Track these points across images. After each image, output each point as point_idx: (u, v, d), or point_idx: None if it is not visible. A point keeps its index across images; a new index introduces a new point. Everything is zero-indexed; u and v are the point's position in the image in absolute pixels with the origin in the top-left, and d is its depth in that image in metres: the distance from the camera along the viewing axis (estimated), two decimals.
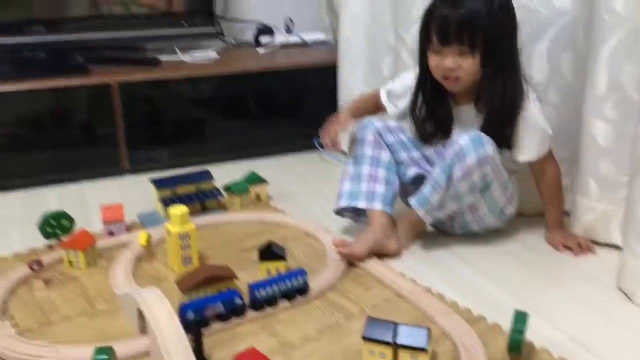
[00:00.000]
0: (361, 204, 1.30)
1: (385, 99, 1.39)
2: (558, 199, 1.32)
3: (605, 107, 1.19)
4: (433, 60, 1.23)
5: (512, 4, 1.21)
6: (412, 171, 1.35)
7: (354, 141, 1.36)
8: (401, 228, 1.30)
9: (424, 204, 1.24)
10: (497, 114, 1.23)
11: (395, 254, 1.27)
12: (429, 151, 1.35)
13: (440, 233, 1.37)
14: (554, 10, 1.27)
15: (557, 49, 1.30)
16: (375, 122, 1.35)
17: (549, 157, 1.29)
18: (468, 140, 1.18)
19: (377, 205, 1.29)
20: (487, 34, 1.16)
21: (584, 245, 1.27)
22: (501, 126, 1.23)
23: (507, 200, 1.30)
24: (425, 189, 1.24)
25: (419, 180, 1.33)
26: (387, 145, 1.34)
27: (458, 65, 1.19)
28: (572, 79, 1.31)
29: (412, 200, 1.25)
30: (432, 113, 1.31)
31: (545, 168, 1.30)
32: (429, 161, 1.35)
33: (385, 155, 1.33)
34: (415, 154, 1.36)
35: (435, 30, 1.19)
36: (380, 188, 1.30)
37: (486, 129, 1.24)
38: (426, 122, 1.32)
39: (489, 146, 1.19)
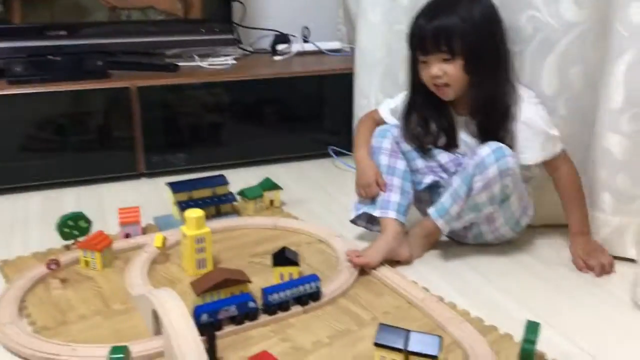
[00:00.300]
0: (376, 213, 1.31)
1: (389, 117, 1.40)
2: (578, 201, 1.28)
3: (622, 121, 1.19)
4: (423, 72, 1.26)
5: (495, 12, 1.24)
6: (428, 179, 1.35)
7: (371, 149, 1.37)
8: (416, 236, 1.31)
9: (443, 215, 1.24)
10: (487, 119, 1.25)
11: (406, 262, 1.28)
12: (445, 159, 1.35)
13: (454, 242, 1.37)
14: (564, 22, 1.27)
15: (567, 62, 1.30)
16: (392, 130, 1.35)
17: (562, 157, 1.27)
18: (490, 152, 1.19)
19: (392, 214, 1.30)
20: (466, 40, 1.19)
21: (607, 267, 1.23)
22: (494, 132, 1.24)
23: (522, 211, 1.30)
24: (445, 199, 1.24)
25: (434, 188, 1.34)
26: (403, 153, 1.35)
27: (443, 72, 1.22)
28: (581, 92, 1.31)
29: (431, 210, 1.25)
30: (428, 123, 1.33)
31: (559, 169, 1.28)
32: (445, 169, 1.35)
33: (401, 164, 1.34)
34: (431, 162, 1.36)
35: (416, 41, 1.23)
36: (395, 197, 1.31)
37: (481, 136, 1.26)
38: (422, 132, 1.33)
39: (510, 158, 1.19)
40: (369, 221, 1.37)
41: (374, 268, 1.22)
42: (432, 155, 1.36)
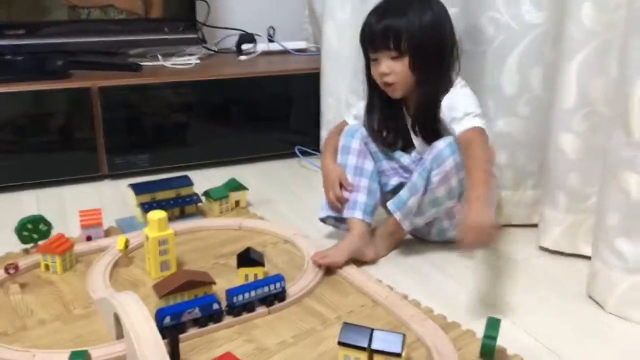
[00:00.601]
0: (345, 213, 1.32)
1: (354, 123, 1.41)
2: (483, 178, 1.10)
3: (574, 120, 1.21)
4: (373, 70, 1.28)
5: (445, 15, 1.26)
6: (393, 180, 1.37)
7: (339, 148, 1.37)
8: (380, 236, 1.31)
9: (401, 207, 1.25)
10: (425, 117, 1.27)
11: (372, 262, 1.28)
12: (406, 161, 1.36)
13: (418, 241, 1.39)
14: (524, 24, 1.30)
15: (527, 62, 1.33)
16: (361, 130, 1.36)
17: (478, 132, 1.18)
18: (445, 145, 1.21)
19: (358, 214, 1.30)
20: (413, 38, 1.21)
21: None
22: (431, 127, 1.27)
23: None
24: (403, 193, 1.25)
25: (400, 189, 1.35)
26: (371, 153, 1.36)
27: (391, 70, 1.24)
28: (541, 93, 1.34)
29: (389, 204, 1.26)
30: (386, 123, 1.35)
31: (472, 144, 1.16)
32: (408, 171, 1.36)
33: (369, 165, 1.35)
34: (395, 163, 1.38)
35: (367, 39, 1.26)
36: (362, 197, 1.32)
37: (420, 133, 1.29)
38: (382, 132, 1.35)
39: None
40: (337, 220, 1.37)
41: (340, 267, 1.23)
42: (396, 157, 1.38)
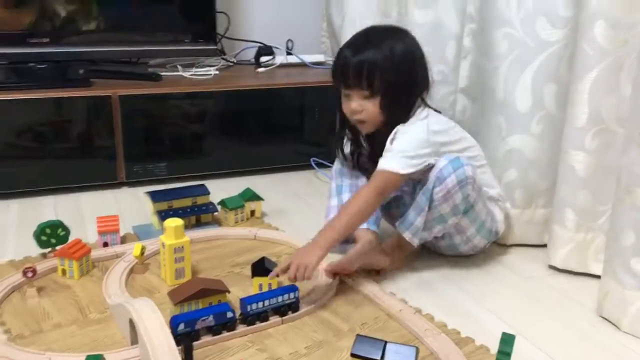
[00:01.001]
0: None
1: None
2: (336, 223, 1.18)
3: (586, 139, 1.21)
4: (344, 104, 1.28)
5: (418, 49, 1.25)
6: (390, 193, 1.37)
7: (334, 171, 1.41)
8: (390, 248, 1.31)
9: (409, 227, 1.25)
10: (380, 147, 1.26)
11: (384, 269, 1.28)
12: None
13: (431, 255, 1.39)
14: (539, 41, 1.30)
15: (541, 80, 1.32)
16: (347, 163, 1.41)
17: (378, 181, 1.19)
18: (447, 162, 1.21)
19: (364, 225, 1.31)
20: (385, 80, 1.20)
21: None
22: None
23: (491, 218, 1.33)
24: (409, 213, 1.26)
25: (399, 201, 1.38)
26: (364, 170, 1.38)
27: (362, 108, 1.24)
28: (554, 111, 1.33)
29: (398, 224, 1.27)
30: (357, 151, 1.38)
31: (364, 188, 1.21)
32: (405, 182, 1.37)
33: (363, 180, 1.37)
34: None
35: (339, 74, 1.25)
36: None
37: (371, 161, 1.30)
38: (352, 157, 1.38)
39: (468, 167, 1.22)
40: (344, 241, 1.37)
41: (351, 275, 1.23)
42: None
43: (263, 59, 2.23)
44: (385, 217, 1.43)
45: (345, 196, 1.36)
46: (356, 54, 1.21)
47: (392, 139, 1.22)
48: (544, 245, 1.41)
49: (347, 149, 1.41)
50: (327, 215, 1.37)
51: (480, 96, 1.46)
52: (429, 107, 1.28)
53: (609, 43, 1.15)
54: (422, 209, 1.23)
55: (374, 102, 1.22)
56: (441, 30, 1.55)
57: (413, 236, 1.26)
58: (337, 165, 1.42)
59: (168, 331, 0.92)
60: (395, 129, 1.23)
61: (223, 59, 2.23)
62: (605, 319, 1.14)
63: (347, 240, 1.36)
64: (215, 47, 2.06)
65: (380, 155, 1.24)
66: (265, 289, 1.17)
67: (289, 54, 2.29)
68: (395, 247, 1.31)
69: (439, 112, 1.32)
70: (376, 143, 1.31)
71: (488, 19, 1.38)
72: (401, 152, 1.20)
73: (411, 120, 1.24)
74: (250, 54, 2.30)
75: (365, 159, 1.39)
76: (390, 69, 1.20)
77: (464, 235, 1.31)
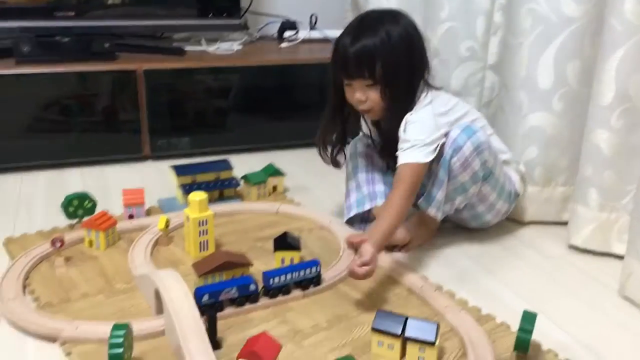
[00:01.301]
0: (367, 206, 1.34)
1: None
2: (382, 225, 1.14)
3: (612, 117, 1.19)
4: (347, 93, 1.26)
5: (416, 31, 1.23)
6: None
7: (348, 155, 1.41)
8: (413, 225, 1.32)
9: (432, 202, 1.25)
10: (390, 141, 1.25)
11: (403, 241, 1.28)
12: None
13: (454, 233, 1.38)
14: (563, 17, 1.28)
15: (564, 56, 1.30)
16: (363, 139, 1.41)
17: (409, 176, 1.17)
18: (460, 132, 1.21)
19: (380, 201, 1.32)
20: (385, 66, 1.18)
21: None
22: (392, 146, 1.24)
23: (509, 181, 1.33)
24: (429, 188, 1.25)
25: None
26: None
27: (366, 97, 1.23)
28: (577, 88, 1.31)
29: (420, 201, 1.27)
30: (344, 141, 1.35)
31: (399, 184, 1.17)
32: None
33: (378, 160, 1.38)
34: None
35: (339, 65, 1.23)
36: (379, 187, 1.35)
37: (383, 152, 1.33)
38: (333, 148, 1.35)
39: (480, 133, 1.21)
40: (362, 221, 1.38)
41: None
42: None
43: (286, 34, 2.22)
44: None
45: (361, 176, 1.36)
46: (354, 43, 1.19)
47: (404, 130, 1.21)
48: (562, 223, 1.40)
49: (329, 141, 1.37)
50: (347, 194, 1.38)
51: (505, 73, 1.44)
52: (431, 86, 1.27)
53: (638, 19, 1.12)
54: (442, 182, 1.23)
55: (376, 90, 1.21)
56: (471, 5, 1.52)
57: (437, 211, 1.25)
58: (351, 147, 1.42)
59: (193, 301, 0.94)
60: (404, 120, 1.21)
61: (247, 33, 2.22)
62: (629, 299, 1.13)
63: (368, 219, 1.36)
64: (238, 22, 2.05)
65: (388, 141, 1.25)
66: (287, 263, 1.18)
67: (312, 29, 2.28)
68: (419, 224, 1.32)
69: (441, 88, 1.30)
70: (382, 130, 1.32)
71: None
72: (417, 142, 1.18)
73: (416, 108, 1.23)
74: (273, 29, 2.29)
75: (369, 148, 1.40)
76: (389, 55, 1.18)
77: (487, 203, 1.30)
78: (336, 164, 1.37)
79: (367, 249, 1.06)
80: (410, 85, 1.24)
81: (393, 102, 1.22)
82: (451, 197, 1.25)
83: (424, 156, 1.18)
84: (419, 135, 1.19)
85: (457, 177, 1.22)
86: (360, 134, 1.42)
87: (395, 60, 1.19)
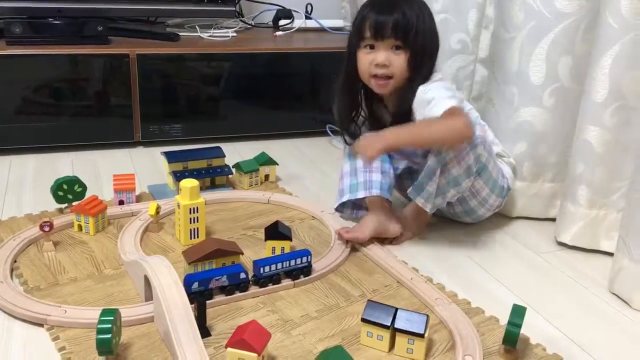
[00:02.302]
0: (360, 194, 1.31)
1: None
2: (418, 126, 1.18)
3: (605, 114, 1.19)
4: (365, 59, 1.23)
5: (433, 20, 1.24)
6: (402, 164, 1.37)
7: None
8: (406, 218, 1.32)
9: (421, 192, 1.23)
10: (401, 112, 1.24)
11: (395, 235, 1.29)
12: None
13: (446, 226, 1.38)
14: (556, 12, 1.27)
15: (556, 51, 1.30)
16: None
17: (459, 111, 1.15)
18: None
19: (375, 192, 1.30)
20: (418, 35, 1.19)
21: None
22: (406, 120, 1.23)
23: (502, 176, 1.32)
24: (421, 178, 1.23)
25: (410, 173, 1.36)
26: None
27: (390, 62, 1.21)
28: (568, 84, 1.31)
29: (410, 190, 1.26)
30: (355, 113, 1.33)
31: (451, 115, 1.14)
32: (414, 155, 1.35)
33: None
34: (407, 148, 1.35)
35: (371, 26, 1.20)
36: (376, 177, 1.32)
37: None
38: (351, 121, 1.33)
39: (477, 127, 1.21)
40: (354, 207, 1.38)
41: (363, 243, 1.24)
42: None
43: (281, 22, 2.21)
44: (400, 191, 1.43)
45: (360, 161, 1.34)
46: (391, 6, 1.19)
47: (424, 92, 1.19)
48: (549, 219, 1.40)
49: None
50: (341, 177, 1.36)
51: (496, 66, 1.44)
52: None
53: (634, 16, 1.12)
54: (434, 173, 1.20)
55: (403, 56, 1.20)
56: None
57: (426, 201, 1.24)
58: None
59: (182, 288, 0.93)
60: (418, 91, 1.20)
61: (241, 20, 2.20)
62: (616, 295, 1.14)
63: (360, 206, 1.36)
64: (233, 9, 2.04)
65: (398, 115, 1.23)
66: (278, 252, 1.18)
67: (307, 18, 2.27)
68: (413, 216, 1.32)
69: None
70: (391, 105, 1.30)
71: None
72: (442, 95, 1.15)
73: (429, 82, 1.23)
74: (268, 17, 2.28)
75: (359, 125, 1.34)
76: (422, 27, 1.20)
77: (479, 197, 1.30)
78: (353, 137, 1.33)
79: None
80: (431, 62, 1.24)
81: (416, 72, 1.21)
82: (443, 190, 1.24)
83: (456, 102, 1.15)
84: (439, 92, 1.17)
85: (451, 170, 1.21)
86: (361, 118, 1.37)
87: (427, 31, 1.21)
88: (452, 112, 1.13)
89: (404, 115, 1.22)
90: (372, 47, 1.22)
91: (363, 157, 1.19)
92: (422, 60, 1.21)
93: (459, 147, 1.16)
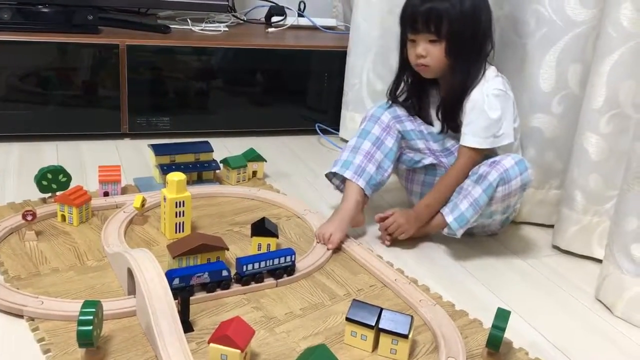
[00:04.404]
0: (348, 174, 1.31)
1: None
2: (443, 190, 1.28)
3: (601, 122, 1.20)
4: (409, 50, 1.29)
5: (484, 4, 1.25)
6: (427, 160, 1.36)
7: (366, 116, 1.37)
8: (422, 230, 1.31)
9: (464, 225, 1.23)
10: (451, 101, 1.29)
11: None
12: (436, 147, 1.36)
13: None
14: (567, 20, 1.28)
15: (567, 59, 1.31)
16: (396, 108, 1.36)
17: (477, 155, 1.26)
18: (513, 164, 1.20)
19: (361, 182, 1.30)
20: (453, 24, 1.22)
21: (393, 231, 1.28)
22: (453, 112, 1.29)
23: (514, 210, 1.34)
24: (466, 210, 1.22)
25: (429, 167, 1.36)
26: (401, 132, 1.35)
27: (427, 52, 1.25)
28: (578, 91, 1.32)
29: (450, 220, 1.23)
30: (410, 94, 1.37)
31: (459, 160, 1.28)
32: (449, 153, 1.35)
33: (390, 142, 1.33)
34: (434, 145, 1.36)
35: (408, 20, 1.26)
36: (371, 168, 1.32)
37: (440, 112, 1.32)
38: (409, 101, 1.38)
39: (531, 171, 1.22)
40: (343, 181, 1.36)
41: (340, 241, 1.24)
42: (437, 139, 1.36)
43: (274, 19, 2.20)
44: (407, 182, 1.43)
45: (366, 145, 1.32)
46: (426, 1, 1.23)
47: (477, 107, 1.24)
48: (545, 226, 1.41)
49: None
50: (344, 148, 1.36)
51: (506, 71, 1.43)
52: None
53: (633, 26, 1.13)
54: (480, 206, 1.21)
55: (440, 47, 1.23)
56: None
57: (460, 228, 1.23)
58: (376, 110, 1.37)
59: (166, 282, 0.92)
60: (472, 95, 1.25)
61: (234, 15, 2.19)
62: (603, 302, 1.14)
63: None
64: (226, 3, 2.02)
65: (447, 102, 1.29)
66: (264, 249, 1.17)
67: (300, 15, 2.26)
68: (427, 227, 1.30)
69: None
70: (443, 92, 1.33)
71: None
72: (478, 126, 1.24)
73: (485, 79, 1.25)
74: (261, 13, 2.27)
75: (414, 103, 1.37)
76: (458, 17, 1.21)
77: (487, 222, 1.31)
78: (408, 110, 1.37)
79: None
80: (475, 48, 1.25)
81: (456, 61, 1.24)
82: (477, 220, 1.24)
83: (479, 142, 1.24)
84: (480, 121, 1.24)
85: (492, 205, 1.22)
86: (388, 102, 1.37)
87: (463, 22, 1.22)
88: (466, 156, 1.26)
89: (451, 105, 1.29)
90: (413, 40, 1.27)
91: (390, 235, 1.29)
92: (462, 46, 1.23)
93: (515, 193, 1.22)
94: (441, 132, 1.35)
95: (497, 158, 1.22)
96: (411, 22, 1.25)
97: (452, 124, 1.31)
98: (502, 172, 1.19)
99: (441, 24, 1.21)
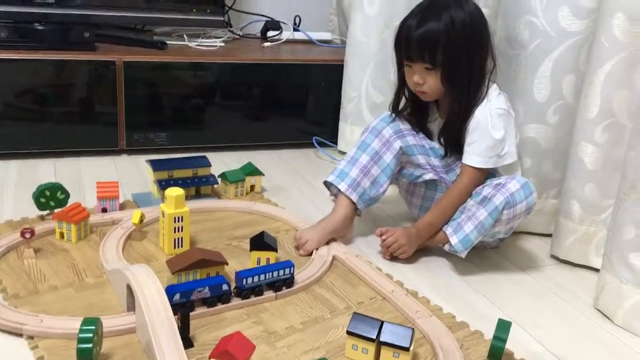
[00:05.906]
0: (342, 187, 1.31)
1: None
2: (446, 210, 1.28)
3: (596, 131, 1.21)
4: (407, 74, 1.28)
5: (481, 18, 1.24)
6: (428, 176, 1.35)
7: (368, 127, 1.36)
8: (425, 242, 1.31)
9: (467, 245, 1.23)
10: (452, 125, 1.28)
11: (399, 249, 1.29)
12: (438, 163, 1.35)
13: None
14: (561, 31, 1.29)
15: (561, 70, 1.31)
16: (400, 124, 1.35)
17: (481, 174, 1.27)
18: (519, 187, 1.20)
19: (353, 196, 1.30)
20: (447, 52, 1.20)
21: (394, 250, 1.27)
22: (455, 134, 1.29)
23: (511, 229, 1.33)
24: (470, 232, 1.22)
25: (429, 183, 1.36)
26: (403, 148, 1.33)
27: (424, 81, 1.25)
28: (572, 101, 1.33)
29: (454, 240, 1.23)
30: (412, 115, 1.38)
31: (461, 179, 1.29)
32: (451, 169, 1.35)
33: (388, 157, 1.33)
34: (435, 161, 1.35)
35: (402, 47, 1.25)
36: (365, 183, 1.32)
37: (443, 136, 1.32)
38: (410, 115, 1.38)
39: (535, 194, 1.22)
40: (339, 191, 1.35)
41: (312, 250, 1.26)
42: (429, 155, 1.35)
43: (270, 33, 2.21)
44: (408, 195, 1.43)
45: (364, 158, 1.32)
46: (418, 27, 1.21)
47: (474, 129, 1.25)
48: (550, 235, 1.41)
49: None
50: (344, 158, 1.36)
51: (501, 83, 1.44)
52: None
53: (625, 36, 1.14)
54: (485, 229, 1.21)
55: (435, 75, 1.23)
56: None
57: (465, 250, 1.23)
58: (378, 123, 1.35)
59: (165, 298, 0.92)
60: (476, 114, 1.25)
61: (230, 31, 2.20)
62: (601, 311, 1.14)
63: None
64: (222, 19, 2.03)
65: (448, 125, 1.29)
66: (263, 263, 1.17)
67: (295, 30, 2.27)
68: (428, 242, 1.31)
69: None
70: (442, 114, 1.33)
71: (510, 4, 1.36)
72: (481, 145, 1.25)
73: (488, 98, 1.25)
74: (257, 28, 2.28)
75: (395, 136, 1.34)
76: (451, 41, 1.20)
77: (488, 240, 1.31)
78: (409, 122, 1.36)
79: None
80: (472, 72, 1.24)
81: (453, 88, 1.24)
82: (479, 240, 1.24)
83: (483, 162, 1.25)
84: (484, 141, 1.24)
85: (496, 227, 1.22)
86: (391, 115, 1.35)
87: (457, 47, 1.21)
88: (469, 175, 1.27)
89: (452, 128, 1.28)
90: (410, 65, 1.26)
91: (391, 253, 1.29)
92: (458, 72, 1.23)
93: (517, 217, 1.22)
94: (445, 156, 1.34)
95: (502, 180, 1.22)
96: (405, 50, 1.24)
97: (454, 145, 1.31)
98: (508, 196, 1.19)
99: (435, 52, 1.20)
